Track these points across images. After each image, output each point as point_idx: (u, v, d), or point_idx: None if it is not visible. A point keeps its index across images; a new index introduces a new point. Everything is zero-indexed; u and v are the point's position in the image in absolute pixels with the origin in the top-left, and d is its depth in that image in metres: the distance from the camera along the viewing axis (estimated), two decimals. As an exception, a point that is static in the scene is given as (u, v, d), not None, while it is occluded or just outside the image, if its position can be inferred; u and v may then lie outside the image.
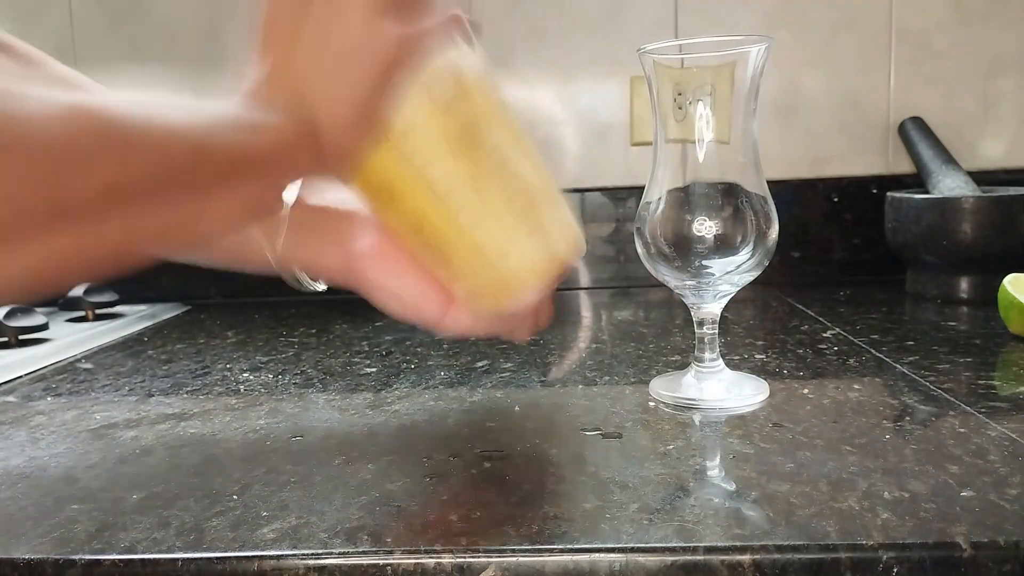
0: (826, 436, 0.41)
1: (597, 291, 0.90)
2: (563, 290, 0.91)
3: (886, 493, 0.34)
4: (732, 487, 0.35)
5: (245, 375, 0.59)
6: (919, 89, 0.87)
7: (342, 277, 0.42)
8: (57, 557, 0.32)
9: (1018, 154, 0.88)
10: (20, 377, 0.62)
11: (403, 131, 0.36)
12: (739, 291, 0.47)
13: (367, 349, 0.65)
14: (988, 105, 0.87)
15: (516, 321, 0.43)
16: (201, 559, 0.31)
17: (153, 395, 0.55)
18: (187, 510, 0.35)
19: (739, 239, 0.45)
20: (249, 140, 0.31)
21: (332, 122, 0.34)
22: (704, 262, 0.45)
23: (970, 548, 0.29)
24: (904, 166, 0.88)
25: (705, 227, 0.45)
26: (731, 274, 0.46)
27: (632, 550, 0.30)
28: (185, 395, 0.55)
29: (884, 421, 0.43)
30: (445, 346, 0.65)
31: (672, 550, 0.30)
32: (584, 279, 0.92)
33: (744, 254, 0.45)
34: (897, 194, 0.77)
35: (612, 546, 0.30)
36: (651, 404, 0.48)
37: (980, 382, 0.49)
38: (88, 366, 0.65)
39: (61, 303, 0.84)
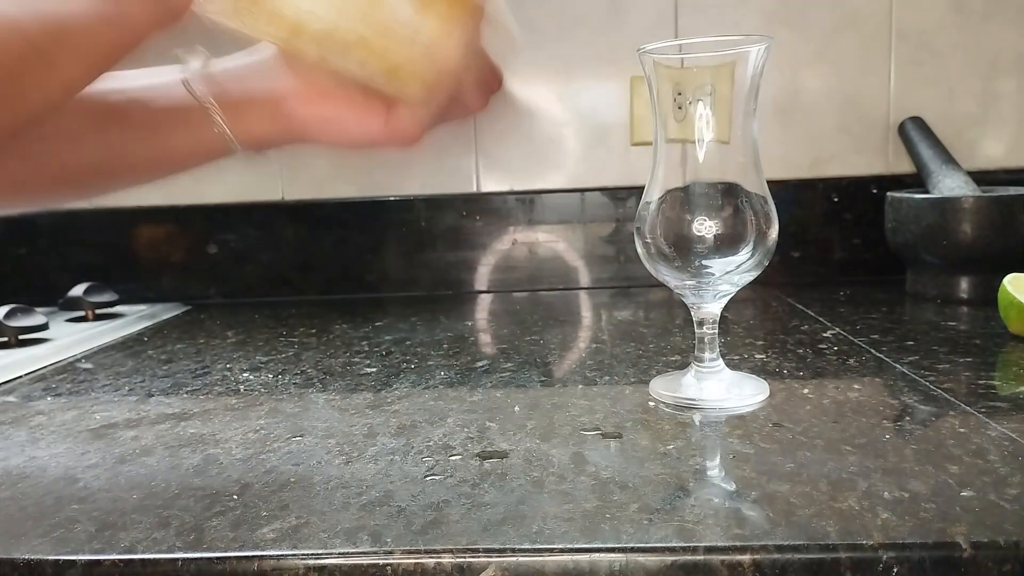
0: (826, 436, 0.41)
1: (597, 291, 0.90)
2: (563, 290, 0.91)
3: (886, 493, 0.34)
4: (732, 487, 0.35)
5: (245, 375, 0.59)
6: (919, 89, 0.87)
7: (280, 132, 0.43)
8: (57, 557, 0.32)
9: (1018, 154, 0.88)
10: (20, 377, 0.62)
11: None
12: (739, 291, 0.47)
13: (367, 349, 0.65)
14: (988, 105, 0.87)
15: (462, 93, 0.43)
16: (201, 559, 0.31)
17: (153, 395, 0.55)
18: (187, 510, 0.35)
19: (739, 239, 0.45)
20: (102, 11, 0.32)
21: None
22: (704, 262, 0.45)
23: (970, 548, 0.29)
24: (904, 166, 0.88)
25: (705, 227, 0.45)
26: (731, 274, 0.46)
27: (632, 550, 0.30)
28: (185, 395, 0.55)
29: (884, 421, 0.43)
30: (445, 346, 0.65)
31: (672, 550, 0.30)
32: (584, 279, 0.92)
33: (744, 254, 0.45)
34: (897, 194, 0.77)
35: (612, 546, 0.30)
36: (651, 404, 0.48)
37: (980, 382, 0.49)
38: (88, 366, 0.65)
39: (61, 303, 0.84)
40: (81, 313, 0.83)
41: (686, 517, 0.32)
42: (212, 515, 0.35)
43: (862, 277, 0.88)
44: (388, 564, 0.30)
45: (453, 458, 0.40)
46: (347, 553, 0.31)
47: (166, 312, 0.87)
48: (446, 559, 0.30)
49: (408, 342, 0.67)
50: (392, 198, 0.91)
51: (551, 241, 0.91)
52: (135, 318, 0.82)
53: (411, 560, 0.31)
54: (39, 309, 0.77)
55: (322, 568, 0.31)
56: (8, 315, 0.72)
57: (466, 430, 0.44)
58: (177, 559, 0.31)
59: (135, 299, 0.90)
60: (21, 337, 0.72)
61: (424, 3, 0.39)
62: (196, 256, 0.92)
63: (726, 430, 0.43)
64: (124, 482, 0.39)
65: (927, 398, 0.46)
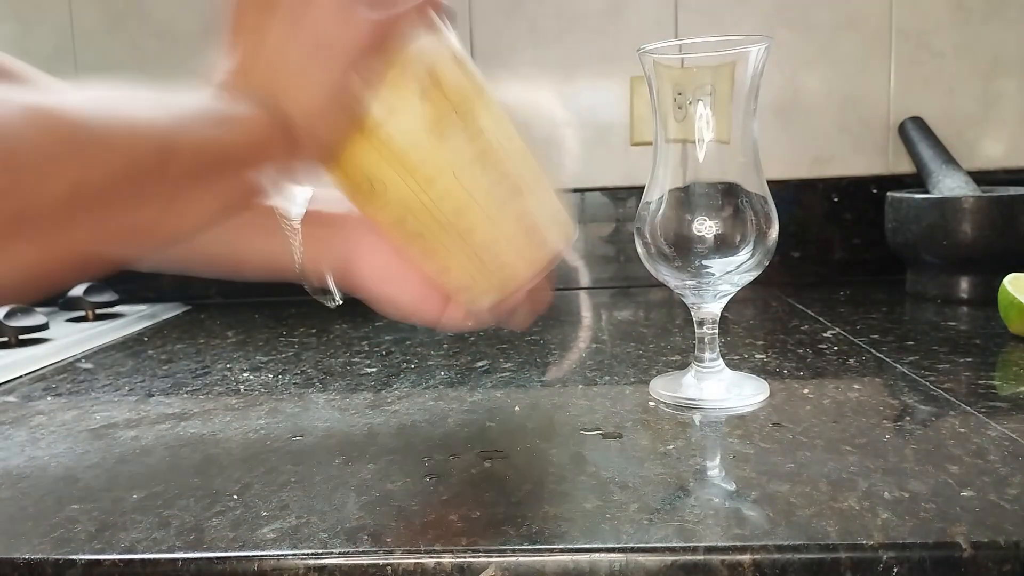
0: (826, 436, 0.41)
1: (597, 291, 0.90)
2: (563, 290, 0.91)
3: (886, 493, 0.34)
4: (732, 487, 0.35)
5: (245, 375, 0.59)
6: (919, 89, 0.87)
7: (339, 278, 0.42)
8: (57, 557, 0.32)
9: (1018, 154, 0.88)
10: (20, 377, 0.62)
11: (380, 118, 0.36)
12: (739, 291, 0.47)
13: (367, 349, 0.65)
14: (988, 105, 0.87)
15: (512, 310, 0.43)
16: (201, 559, 0.31)
17: (153, 395, 0.55)
18: (187, 510, 0.35)
19: (739, 239, 0.45)
20: (218, 134, 0.30)
21: (305, 112, 0.33)
22: (704, 262, 0.45)
23: (970, 548, 0.29)
24: (904, 166, 0.88)
25: (705, 227, 0.45)
26: (731, 274, 0.46)
27: (632, 550, 0.30)
28: (185, 395, 0.55)
29: (884, 421, 0.43)
30: (445, 346, 0.65)
31: (672, 550, 0.30)
32: (584, 279, 0.92)
33: (744, 254, 0.45)
34: (897, 194, 0.77)
35: (612, 546, 0.30)
36: (651, 404, 0.48)
37: (980, 382, 0.49)
38: (88, 366, 0.65)
39: (61, 303, 0.84)
40: (81, 313, 0.83)
41: (686, 517, 0.32)
42: (212, 515, 0.35)
43: (862, 277, 0.88)
44: (388, 564, 0.30)
45: (453, 458, 0.40)
46: (347, 553, 0.31)
47: (166, 312, 0.87)
48: (446, 559, 0.30)
49: (408, 342, 0.67)
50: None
51: (551, 241, 0.91)
52: (135, 318, 0.82)
53: (411, 560, 0.30)
54: (39, 309, 0.77)
55: (322, 568, 0.31)
56: (8, 315, 0.72)
57: (466, 430, 0.44)
58: (177, 559, 0.31)
59: (135, 299, 0.90)
60: (21, 337, 0.71)
61: (516, 245, 0.39)
62: (196, 256, 0.92)
63: (726, 430, 0.43)
64: (124, 482, 0.39)
65: (927, 398, 0.46)
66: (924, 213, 0.73)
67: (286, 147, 0.33)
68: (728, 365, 0.50)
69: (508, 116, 0.40)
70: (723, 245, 0.45)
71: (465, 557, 0.30)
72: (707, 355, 0.49)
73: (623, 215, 0.91)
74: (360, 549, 0.31)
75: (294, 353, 0.65)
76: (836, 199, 0.88)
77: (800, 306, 0.75)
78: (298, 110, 0.33)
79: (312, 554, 0.31)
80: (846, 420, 0.43)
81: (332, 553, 0.31)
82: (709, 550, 0.30)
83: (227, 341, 0.71)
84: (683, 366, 0.54)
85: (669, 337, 0.65)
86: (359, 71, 0.34)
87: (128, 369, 0.63)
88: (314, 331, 0.73)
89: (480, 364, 0.59)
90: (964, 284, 0.73)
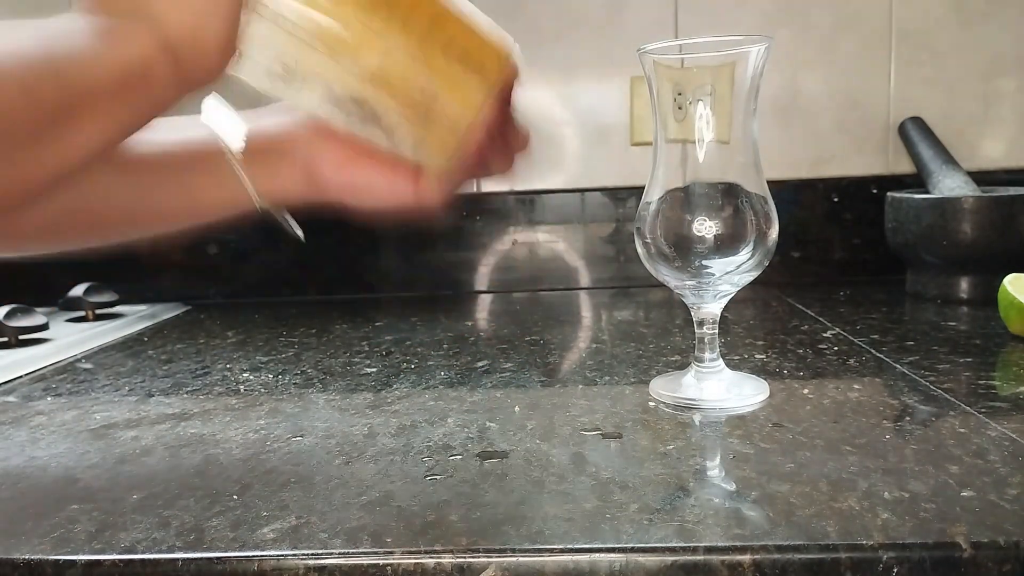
0: (826, 436, 0.41)
1: (597, 291, 0.90)
2: (563, 290, 0.91)
3: (886, 493, 0.34)
4: (732, 487, 0.35)
5: (245, 375, 0.59)
6: (919, 89, 0.87)
7: (310, 193, 0.42)
8: (57, 557, 0.32)
9: (1018, 154, 0.88)
10: (20, 377, 0.62)
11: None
12: (739, 291, 0.47)
13: (367, 349, 0.65)
14: (988, 105, 0.87)
15: (483, 156, 0.42)
16: (201, 559, 0.31)
17: (153, 395, 0.55)
18: (187, 510, 0.35)
19: (739, 239, 0.45)
20: (96, 54, 0.31)
21: (185, 27, 0.33)
22: (704, 262, 0.45)
23: (970, 548, 0.29)
24: (904, 166, 0.88)
25: (705, 227, 0.45)
26: (731, 274, 0.46)
27: (632, 550, 0.30)
28: (185, 395, 0.55)
29: (884, 421, 0.43)
30: (445, 346, 0.65)
31: (672, 550, 0.30)
32: (584, 279, 0.92)
33: (744, 254, 0.45)
34: (897, 194, 0.77)
35: (612, 546, 0.30)
36: (651, 404, 0.48)
37: (980, 382, 0.49)
38: (88, 366, 0.65)
39: (61, 303, 0.84)
40: (81, 313, 0.83)
41: (686, 517, 0.32)
42: (212, 515, 0.35)
43: (862, 277, 0.88)
44: (388, 564, 0.31)
45: (453, 458, 0.40)
46: (347, 553, 0.31)
47: (166, 312, 0.87)
48: (446, 559, 0.30)
49: (408, 342, 0.67)
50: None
51: (551, 241, 0.91)
52: (135, 318, 0.82)
53: (411, 560, 0.31)
54: (39, 309, 0.77)
55: (322, 568, 0.31)
56: (8, 315, 0.72)
57: (466, 430, 0.44)
58: (177, 559, 0.31)
59: (135, 299, 0.90)
60: (21, 337, 0.72)
61: (450, 81, 0.38)
62: (196, 256, 0.92)
63: (726, 430, 0.43)
64: (124, 482, 0.39)
65: (927, 398, 0.46)
66: (924, 213, 0.74)
67: (171, 66, 0.33)
68: (728, 365, 0.50)
69: None
70: (723, 245, 0.45)
71: (465, 557, 0.30)
72: (707, 355, 0.49)
73: (623, 215, 0.91)
74: (360, 549, 0.31)
75: (294, 353, 0.65)
76: (836, 199, 0.88)
77: (800, 306, 0.75)
78: (176, 26, 0.33)
79: (312, 554, 0.31)
80: (846, 420, 0.43)
81: (332, 553, 0.31)
82: (709, 550, 0.30)
83: (227, 341, 0.71)
84: (683, 366, 0.54)
85: (669, 337, 0.65)
86: None
87: (128, 369, 0.63)
88: (314, 331, 0.73)
89: (480, 364, 0.59)
90: (964, 284, 0.73)
